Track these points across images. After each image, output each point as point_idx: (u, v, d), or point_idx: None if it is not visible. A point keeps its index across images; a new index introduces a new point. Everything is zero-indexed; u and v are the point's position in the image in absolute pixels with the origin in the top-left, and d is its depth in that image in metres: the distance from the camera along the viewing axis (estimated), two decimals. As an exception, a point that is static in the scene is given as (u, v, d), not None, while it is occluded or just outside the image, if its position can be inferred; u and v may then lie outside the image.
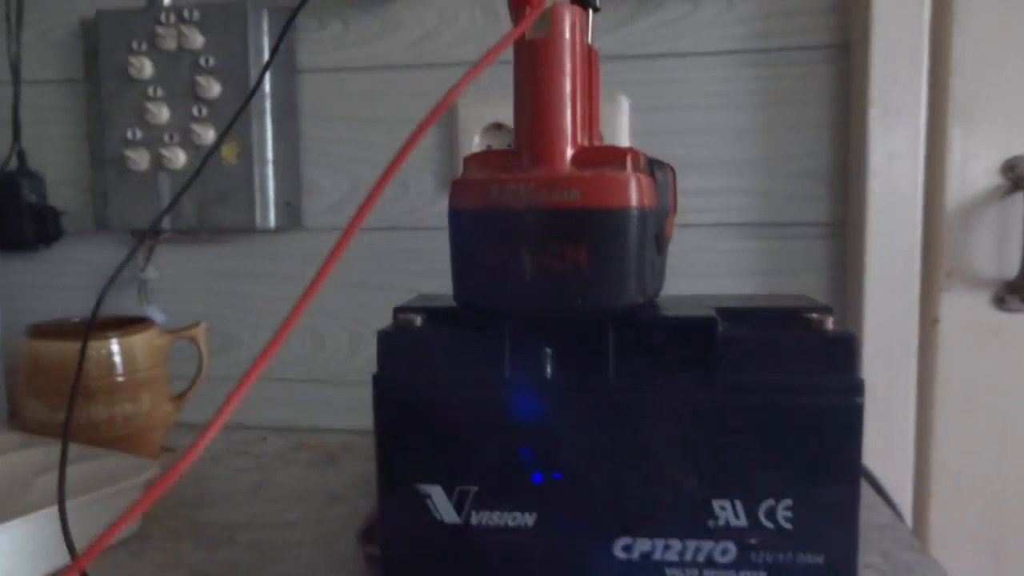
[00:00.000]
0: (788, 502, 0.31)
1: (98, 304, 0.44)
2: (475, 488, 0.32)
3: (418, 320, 0.33)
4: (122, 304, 0.76)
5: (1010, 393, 0.64)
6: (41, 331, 0.63)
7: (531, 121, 0.31)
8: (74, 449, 0.55)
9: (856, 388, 0.31)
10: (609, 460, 0.32)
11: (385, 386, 0.33)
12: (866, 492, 0.63)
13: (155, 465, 0.53)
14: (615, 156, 0.30)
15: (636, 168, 0.31)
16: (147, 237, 0.74)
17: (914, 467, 0.66)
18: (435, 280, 0.71)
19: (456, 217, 0.31)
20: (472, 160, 0.32)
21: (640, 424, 0.31)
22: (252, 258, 0.75)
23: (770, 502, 0.31)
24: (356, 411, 0.75)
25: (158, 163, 0.71)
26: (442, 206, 0.69)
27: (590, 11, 0.33)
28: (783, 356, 0.31)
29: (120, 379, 0.62)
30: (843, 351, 0.31)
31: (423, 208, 0.73)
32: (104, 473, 0.52)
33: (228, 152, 0.70)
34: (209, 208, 0.71)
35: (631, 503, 0.32)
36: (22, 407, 0.62)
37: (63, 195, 0.76)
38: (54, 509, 0.41)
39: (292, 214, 0.74)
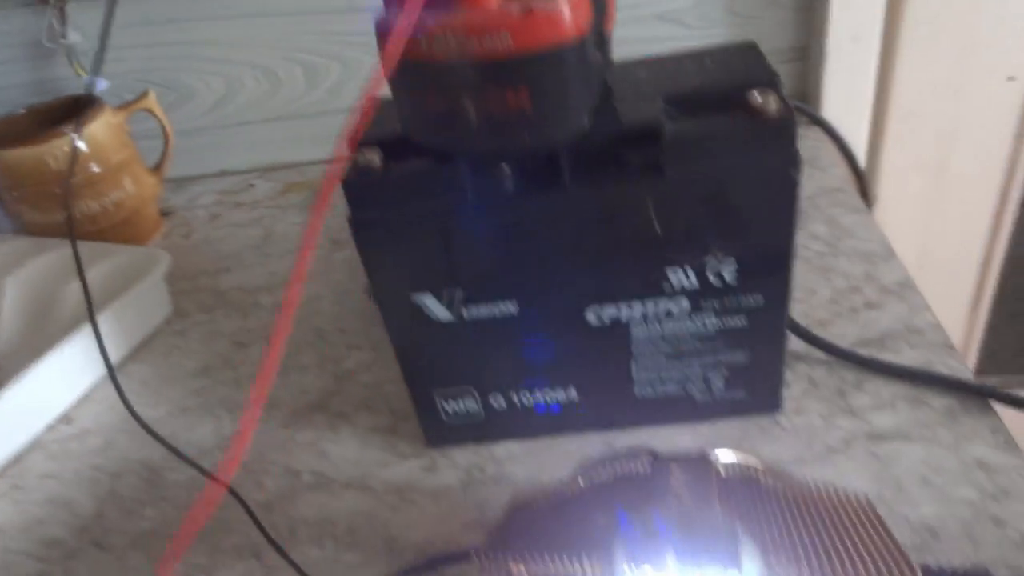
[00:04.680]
0: (732, 262, 0.36)
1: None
2: (460, 290, 0.37)
3: (376, 160, 0.34)
4: (56, 73, 0.72)
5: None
6: (-1, 139, 0.62)
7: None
8: (84, 249, 0.58)
9: (792, 162, 0.33)
10: (577, 249, 0.35)
11: (362, 229, 0.35)
12: (825, 150, 0.67)
13: (165, 256, 0.57)
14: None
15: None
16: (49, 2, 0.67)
17: (872, 109, 0.69)
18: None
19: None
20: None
21: (599, 217, 0.34)
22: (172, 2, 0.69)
23: (716, 264, 0.36)
24: (326, 141, 0.76)
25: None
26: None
27: None
28: (726, 144, 0.32)
29: (96, 170, 0.63)
30: (781, 133, 0.32)
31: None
32: (120, 270, 0.57)
33: None
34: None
35: (598, 280, 0.37)
36: (17, 213, 0.65)
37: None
38: (87, 326, 0.47)
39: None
